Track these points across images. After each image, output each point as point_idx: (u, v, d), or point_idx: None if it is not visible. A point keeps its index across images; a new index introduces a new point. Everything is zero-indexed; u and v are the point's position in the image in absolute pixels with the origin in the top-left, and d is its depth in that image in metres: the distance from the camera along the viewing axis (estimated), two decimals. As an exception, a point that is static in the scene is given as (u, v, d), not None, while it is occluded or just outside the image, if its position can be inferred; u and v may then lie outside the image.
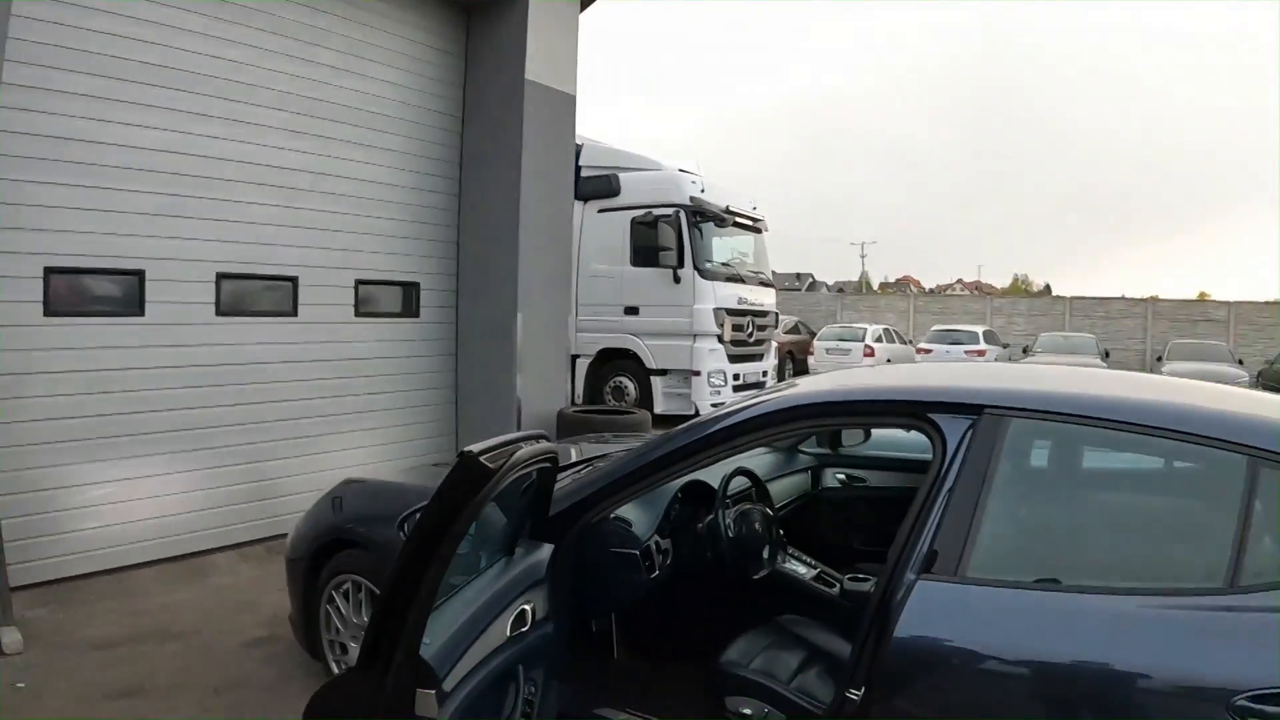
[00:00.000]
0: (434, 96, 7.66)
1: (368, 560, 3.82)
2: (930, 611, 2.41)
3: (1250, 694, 2.02)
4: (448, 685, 2.47)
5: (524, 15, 7.46)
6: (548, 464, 2.87)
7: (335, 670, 4.02)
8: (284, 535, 6.29)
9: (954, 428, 2.63)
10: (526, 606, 2.86)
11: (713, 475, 3.66)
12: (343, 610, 3.96)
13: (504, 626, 2.76)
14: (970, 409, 2.65)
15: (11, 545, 4.75)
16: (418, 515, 3.05)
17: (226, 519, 6.21)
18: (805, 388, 3.33)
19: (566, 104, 8.16)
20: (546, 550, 3.00)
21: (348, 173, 6.92)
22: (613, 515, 3.22)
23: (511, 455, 2.50)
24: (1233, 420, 2.51)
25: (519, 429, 7.53)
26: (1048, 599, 2.37)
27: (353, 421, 7.11)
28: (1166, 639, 2.21)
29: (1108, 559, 2.59)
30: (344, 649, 4.00)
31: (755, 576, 3.53)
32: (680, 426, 3.29)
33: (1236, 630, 2.18)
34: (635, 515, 3.39)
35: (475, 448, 2.38)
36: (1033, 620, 2.34)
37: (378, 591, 3.71)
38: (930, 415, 2.71)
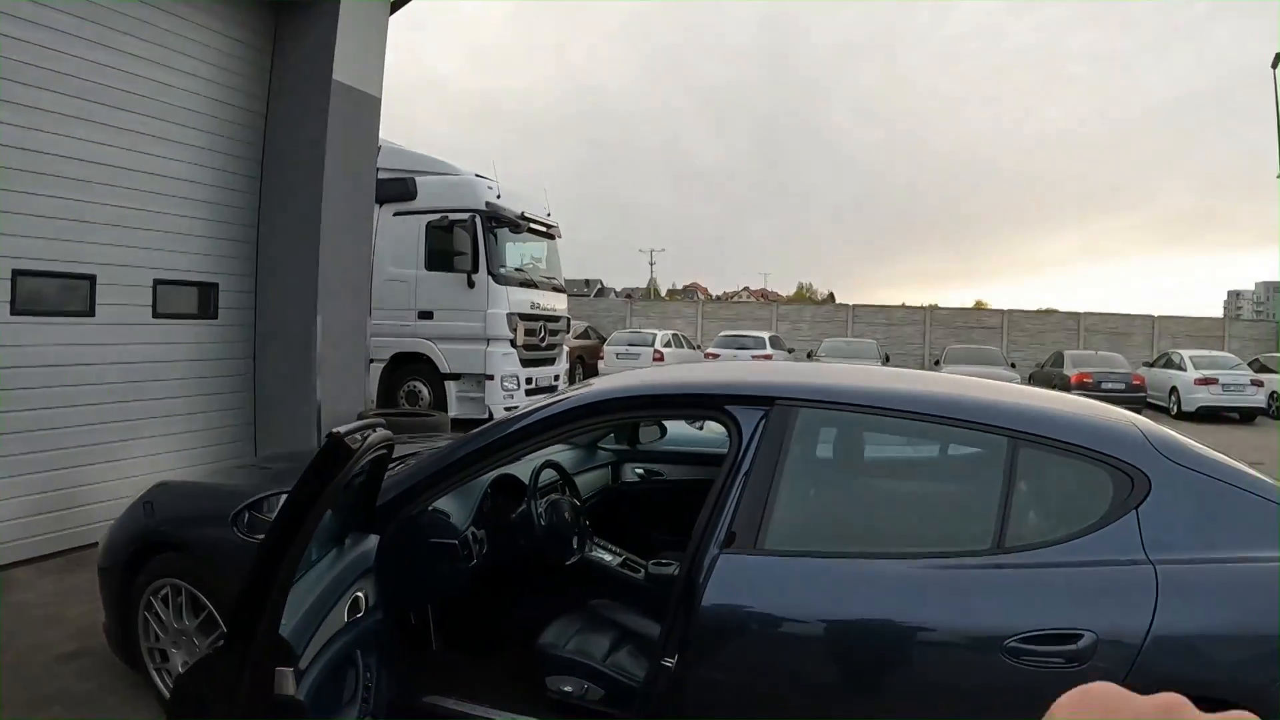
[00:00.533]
0: (239, 93, 7.78)
1: (188, 562, 3.93)
2: (733, 582, 2.75)
3: (1019, 636, 2.46)
4: (302, 664, 2.66)
5: (334, 16, 7.71)
6: (385, 451, 3.07)
7: (156, 678, 4.11)
8: (84, 547, 6.36)
9: (749, 418, 2.99)
10: (360, 594, 3.05)
11: (517, 470, 4.09)
12: (162, 616, 4.00)
13: (342, 612, 2.94)
14: (763, 401, 3.03)
15: None
16: (252, 510, 3.42)
17: (22, 532, 6.17)
18: (612, 383, 3.62)
19: (372, 106, 8.46)
20: (373, 540, 3.18)
21: (148, 167, 6.96)
22: (431, 508, 3.48)
23: (367, 438, 2.74)
24: (995, 406, 3.00)
25: (319, 431, 7.84)
26: (837, 565, 2.77)
27: (151, 427, 7.15)
28: (944, 595, 2.64)
29: (890, 529, 3.04)
30: (164, 656, 4.07)
31: (567, 563, 3.97)
32: (492, 421, 3.57)
33: (1004, 585, 2.62)
34: (452, 507, 3.65)
35: (341, 429, 2.63)
36: (824, 584, 2.75)
37: (199, 594, 3.86)
38: (727, 407, 3.08)
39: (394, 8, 8.58)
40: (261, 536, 3.11)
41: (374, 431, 2.84)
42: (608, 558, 4.18)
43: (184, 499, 4.36)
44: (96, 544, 6.13)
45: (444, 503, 3.58)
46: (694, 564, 2.82)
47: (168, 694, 4.05)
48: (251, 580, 2.51)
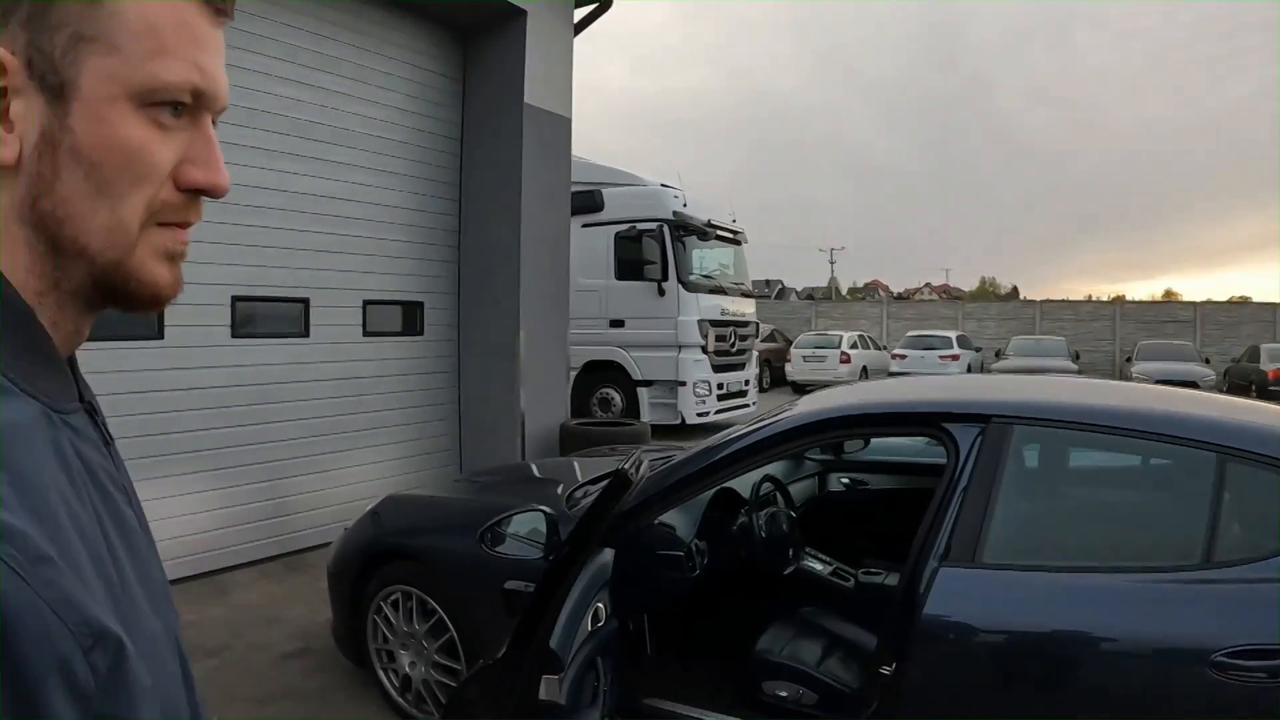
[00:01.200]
0: (434, 120, 7.76)
1: (418, 570, 3.99)
2: (951, 594, 2.71)
3: (1227, 650, 2.34)
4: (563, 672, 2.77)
5: (522, 40, 7.59)
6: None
7: (382, 677, 4.20)
8: (299, 551, 6.48)
9: (965, 435, 2.93)
10: (600, 605, 3.10)
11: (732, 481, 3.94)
12: (392, 620, 4.08)
13: (588, 621, 3.01)
14: (979, 419, 2.95)
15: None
16: (498, 526, 3.40)
17: (244, 537, 6.29)
18: (833, 401, 3.57)
19: (563, 126, 8.32)
20: (609, 554, 3.20)
21: (353, 195, 7.01)
22: (657, 521, 3.46)
23: (640, 468, 2.94)
24: (1203, 422, 2.87)
25: (522, 443, 7.73)
26: (1050, 579, 2.70)
27: (361, 439, 7.21)
28: (1153, 608, 2.57)
29: (1101, 543, 2.93)
30: (391, 656, 4.14)
31: (784, 573, 3.82)
32: (716, 438, 3.53)
33: (1212, 600, 2.53)
34: (676, 520, 3.63)
35: (625, 467, 2.80)
36: (1038, 597, 2.68)
37: (429, 599, 3.94)
38: (944, 425, 3.01)
39: (578, 29, 8.42)
40: (501, 551, 3.41)
41: (644, 464, 3.08)
42: (819, 567, 4.03)
43: (414, 510, 4.50)
44: (311, 549, 6.36)
45: (668, 515, 3.56)
46: (913, 576, 2.80)
47: (394, 692, 4.16)
48: (538, 596, 2.76)
